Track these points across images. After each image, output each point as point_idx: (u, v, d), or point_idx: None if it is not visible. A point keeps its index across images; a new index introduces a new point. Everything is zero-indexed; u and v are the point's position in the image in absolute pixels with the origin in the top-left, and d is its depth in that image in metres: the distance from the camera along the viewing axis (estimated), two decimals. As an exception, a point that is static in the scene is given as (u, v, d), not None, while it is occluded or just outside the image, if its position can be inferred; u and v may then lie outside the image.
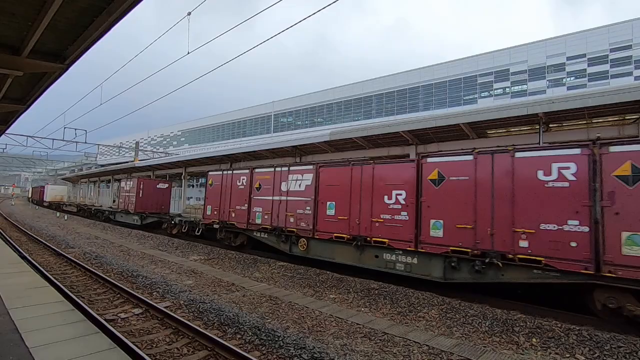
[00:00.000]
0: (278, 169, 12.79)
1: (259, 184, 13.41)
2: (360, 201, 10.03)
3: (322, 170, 11.33)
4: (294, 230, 11.80)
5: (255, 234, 13.51)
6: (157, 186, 25.30)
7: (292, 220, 11.94)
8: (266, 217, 12.88)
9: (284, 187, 12.40)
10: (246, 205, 13.75)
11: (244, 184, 14.03)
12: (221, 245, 15.22)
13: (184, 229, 18.33)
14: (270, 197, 12.83)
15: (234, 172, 14.77)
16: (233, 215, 14.28)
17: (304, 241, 11.48)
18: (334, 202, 10.77)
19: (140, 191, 23.99)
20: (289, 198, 12.18)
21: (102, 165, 65.94)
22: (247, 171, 14.07)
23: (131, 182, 24.91)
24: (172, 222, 19.66)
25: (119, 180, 30.67)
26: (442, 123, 11.85)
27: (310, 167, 11.80)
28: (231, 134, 72.25)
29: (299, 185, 11.92)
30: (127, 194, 25.17)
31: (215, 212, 15.08)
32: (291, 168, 12.40)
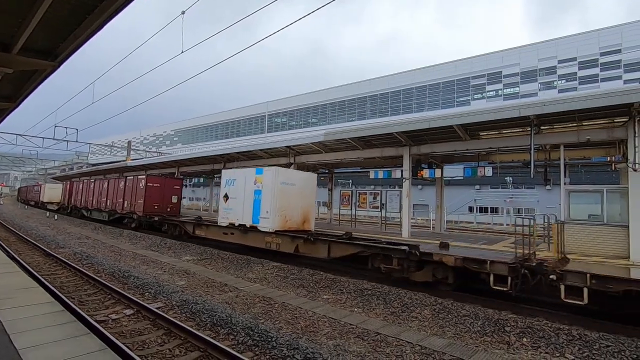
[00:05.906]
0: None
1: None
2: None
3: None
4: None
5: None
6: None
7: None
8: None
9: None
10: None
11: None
12: (211, 245, 15.33)
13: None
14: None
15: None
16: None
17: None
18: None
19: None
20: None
21: (94, 165, 65.17)
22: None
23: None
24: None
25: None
26: (435, 124, 11.91)
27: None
28: (225, 133, 71.85)
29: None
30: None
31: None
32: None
